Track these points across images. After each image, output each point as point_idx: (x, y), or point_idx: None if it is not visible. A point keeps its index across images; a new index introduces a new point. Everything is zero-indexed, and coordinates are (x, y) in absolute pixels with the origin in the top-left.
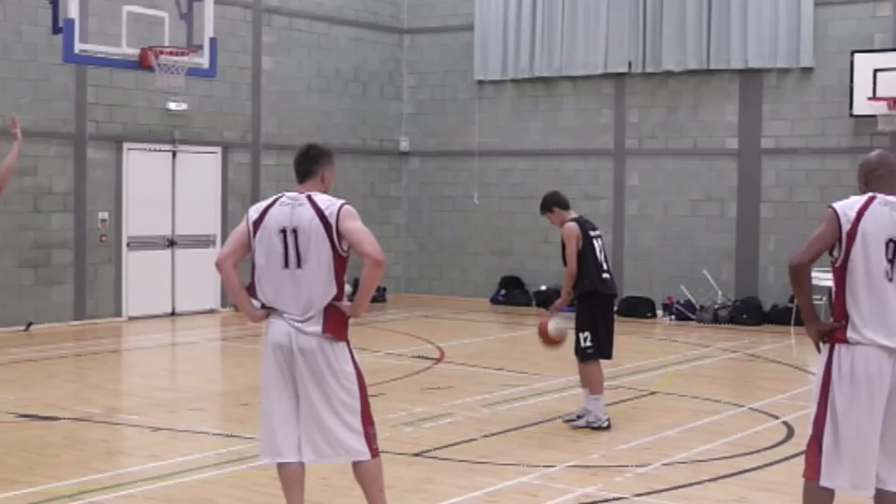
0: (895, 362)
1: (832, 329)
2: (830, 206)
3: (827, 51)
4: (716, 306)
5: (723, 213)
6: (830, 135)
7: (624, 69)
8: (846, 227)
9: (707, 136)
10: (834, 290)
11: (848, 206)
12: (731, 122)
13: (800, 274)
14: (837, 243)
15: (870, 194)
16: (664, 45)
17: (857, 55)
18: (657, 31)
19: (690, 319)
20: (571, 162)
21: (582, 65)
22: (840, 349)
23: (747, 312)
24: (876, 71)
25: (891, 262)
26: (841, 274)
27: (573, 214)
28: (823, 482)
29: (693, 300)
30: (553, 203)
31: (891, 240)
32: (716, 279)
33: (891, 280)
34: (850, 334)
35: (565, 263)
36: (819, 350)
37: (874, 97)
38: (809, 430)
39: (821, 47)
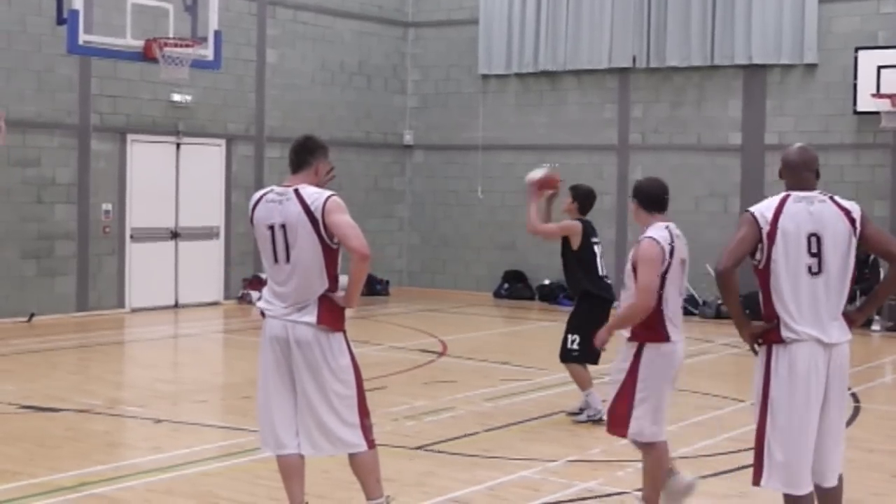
0: (829, 356)
1: (765, 330)
2: (748, 211)
3: (831, 47)
4: (718, 301)
5: (726, 209)
6: (834, 131)
7: (628, 64)
8: (765, 228)
9: (711, 132)
10: (760, 292)
11: (765, 208)
12: (734, 118)
13: (726, 279)
14: (759, 245)
15: (784, 193)
16: (668, 41)
17: (860, 52)
18: (661, 26)
19: (693, 314)
20: (575, 156)
21: (586, 59)
22: (777, 350)
23: (750, 308)
24: (880, 68)
25: (815, 255)
26: (765, 275)
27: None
28: (764, 484)
29: (696, 295)
30: (582, 197)
31: (812, 234)
32: None
33: (816, 274)
34: (784, 333)
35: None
36: (755, 352)
37: (878, 94)
38: (754, 435)
39: (824, 44)
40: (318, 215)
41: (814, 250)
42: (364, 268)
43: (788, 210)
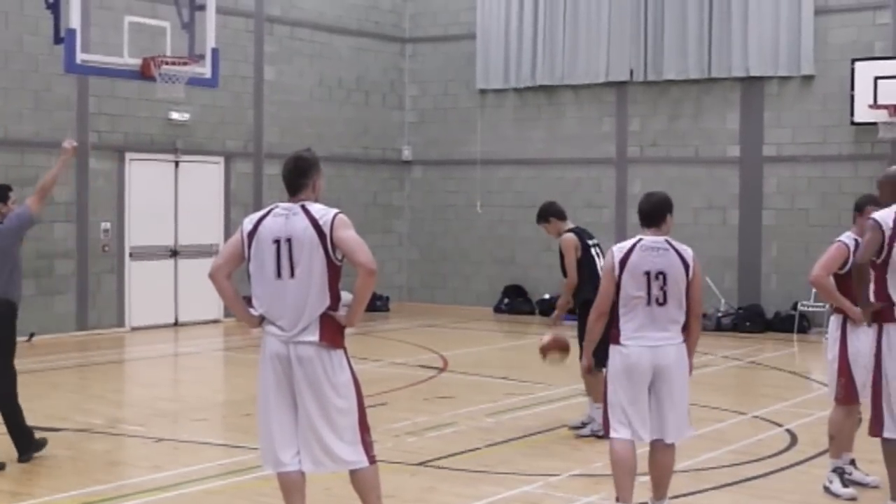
0: None
1: (880, 309)
2: (872, 218)
3: (827, 59)
4: (719, 314)
5: (725, 221)
6: (831, 142)
7: (625, 77)
8: (888, 232)
9: (709, 144)
10: (873, 281)
11: (885, 216)
12: (732, 130)
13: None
14: (882, 246)
15: None
16: (665, 54)
17: (857, 63)
18: (658, 39)
19: None
20: (573, 170)
21: (583, 73)
22: (888, 327)
23: (750, 320)
24: (876, 79)
25: None
26: (883, 269)
27: (570, 225)
28: (886, 434)
29: None
30: (549, 213)
31: None
32: (718, 287)
33: None
34: None
35: (565, 275)
36: (869, 325)
37: (875, 105)
38: (869, 394)
39: (821, 55)
40: (327, 230)
41: None
42: (370, 283)
43: None
